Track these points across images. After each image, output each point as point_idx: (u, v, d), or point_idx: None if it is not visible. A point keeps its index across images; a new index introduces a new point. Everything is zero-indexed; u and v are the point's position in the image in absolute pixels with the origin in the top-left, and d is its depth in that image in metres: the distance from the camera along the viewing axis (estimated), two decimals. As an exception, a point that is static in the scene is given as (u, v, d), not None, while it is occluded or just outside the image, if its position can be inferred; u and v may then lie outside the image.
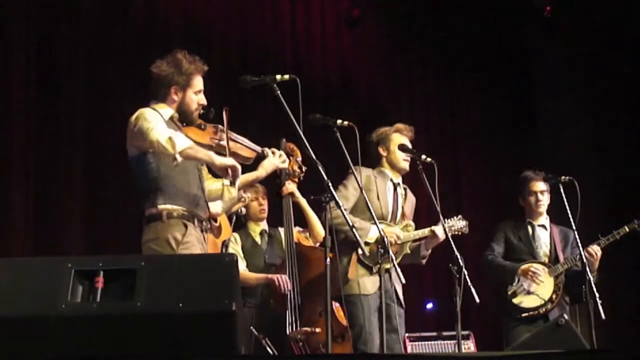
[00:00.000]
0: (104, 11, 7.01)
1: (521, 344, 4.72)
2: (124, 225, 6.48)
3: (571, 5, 8.46)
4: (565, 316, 4.46)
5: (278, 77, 4.05)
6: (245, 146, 4.22)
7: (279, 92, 3.99)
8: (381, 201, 4.87)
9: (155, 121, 3.91)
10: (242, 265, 5.35)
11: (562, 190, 5.28)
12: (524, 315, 5.53)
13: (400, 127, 4.98)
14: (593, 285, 5.06)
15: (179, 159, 3.79)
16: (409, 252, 4.92)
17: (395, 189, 5.04)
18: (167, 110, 4.08)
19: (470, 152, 8.89)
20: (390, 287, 4.80)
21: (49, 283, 2.61)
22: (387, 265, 4.47)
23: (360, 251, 4.35)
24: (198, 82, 4.15)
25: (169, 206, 3.96)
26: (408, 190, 5.02)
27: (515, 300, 5.55)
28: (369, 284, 4.79)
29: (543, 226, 5.76)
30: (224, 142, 4.08)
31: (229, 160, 3.91)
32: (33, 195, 6.45)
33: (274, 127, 6.86)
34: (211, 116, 4.21)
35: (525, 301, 5.54)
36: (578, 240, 5.24)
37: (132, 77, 6.94)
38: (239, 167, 3.88)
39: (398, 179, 5.07)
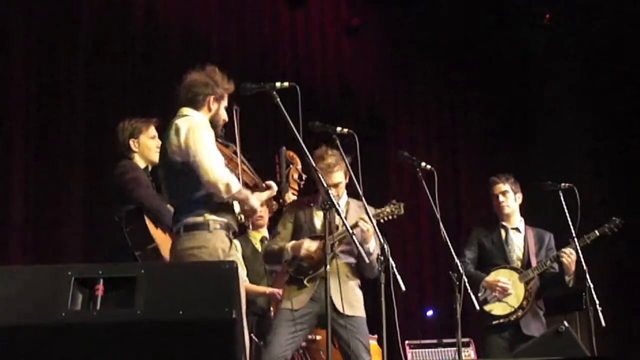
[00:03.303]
0: (104, 20, 7.02)
1: (522, 351, 4.72)
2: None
3: (570, 13, 8.48)
4: (566, 323, 4.45)
5: (278, 84, 4.07)
6: (249, 170, 4.29)
7: (278, 99, 4.00)
8: (310, 225, 4.77)
9: (212, 152, 3.92)
10: (242, 273, 5.34)
11: (562, 197, 5.28)
12: (494, 322, 5.42)
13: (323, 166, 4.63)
14: (593, 292, 5.04)
15: (226, 199, 3.92)
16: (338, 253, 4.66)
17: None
18: (204, 119, 4.09)
19: (470, 161, 8.90)
20: (323, 298, 4.60)
21: (48, 291, 2.60)
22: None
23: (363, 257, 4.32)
24: (226, 99, 4.19)
25: (214, 217, 3.96)
26: (351, 203, 4.78)
27: (486, 308, 5.43)
28: (299, 299, 4.64)
29: (517, 229, 5.67)
30: (239, 161, 4.20)
31: (257, 204, 4.07)
32: (32, 196, 6.44)
33: (273, 134, 6.88)
34: (222, 134, 4.26)
35: (496, 309, 5.43)
36: (579, 247, 5.22)
37: (131, 82, 6.97)
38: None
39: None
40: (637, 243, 7.67)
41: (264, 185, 4.30)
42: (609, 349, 6.87)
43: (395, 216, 4.83)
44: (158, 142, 4.71)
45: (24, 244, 6.34)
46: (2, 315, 2.56)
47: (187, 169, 3.93)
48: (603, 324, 5.03)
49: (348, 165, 4.47)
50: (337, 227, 4.69)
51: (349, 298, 4.60)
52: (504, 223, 5.67)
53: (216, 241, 3.93)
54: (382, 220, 4.78)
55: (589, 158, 8.46)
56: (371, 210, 4.67)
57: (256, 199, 4.06)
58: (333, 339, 4.61)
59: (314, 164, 4.20)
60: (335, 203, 4.08)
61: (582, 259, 5.19)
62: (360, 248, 4.21)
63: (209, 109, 4.11)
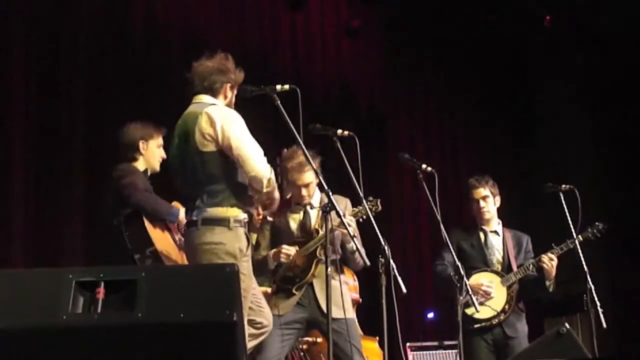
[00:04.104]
0: (104, 20, 7.02)
1: (523, 353, 4.71)
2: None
3: (571, 15, 8.48)
4: (567, 325, 4.44)
5: (278, 87, 4.06)
6: None
7: (278, 101, 4.00)
8: (287, 228, 4.81)
9: (254, 144, 3.93)
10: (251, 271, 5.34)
11: (562, 198, 5.27)
12: (476, 326, 5.36)
13: (294, 166, 4.72)
14: (594, 294, 5.03)
15: (263, 193, 3.94)
16: (321, 258, 4.65)
17: (304, 214, 4.87)
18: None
19: (470, 162, 8.89)
20: (311, 303, 4.70)
21: (49, 294, 2.60)
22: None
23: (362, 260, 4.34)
24: (236, 88, 4.18)
25: (235, 213, 3.94)
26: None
27: (468, 311, 5.28)
28: (284, 305, 4.68)
29: (495, 232, 5.62)
30: None
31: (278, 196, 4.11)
32: (32, 197, 6.44)
33: (274, 137, 6.88)
34: None
35: (478, 312, 5.28)
36: (580, 251, 5.22)
37: (131, 82, 6.96)
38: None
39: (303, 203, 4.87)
40: (636, 243, 7.67)
41: None
42: (611, 350, 6.87)
43: (373, 213, 4.67)
44: (162, 153, 4.76)
45: (24, 246, 6.34)
46: (3, 318, 2.56)
47: (217, 160, 3.92)
48: (604, 325, 5.03)
49: (316, 166, 4.34)
50: (318, 231, 4.70)
51: (337, 300, 4.53)
52: (482, 226, 5.62)
53: (235, 239, 3.91)
54: (360, 220, 4.72)
55: (589, 159, 8.45)
56: (350, 210, 4.71)
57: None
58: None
59: (314, 167, 4.20)
60: (336, 204, 4.06)
61: (583, 261, 5.18)
62: (355, 243, 4.22)
63: (225, 97, 4.11)
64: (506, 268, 5.51)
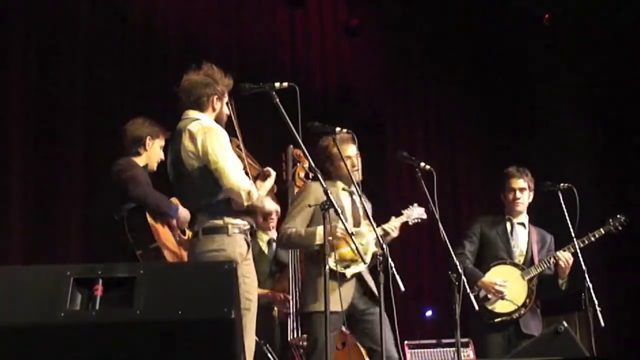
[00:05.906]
0: (103, 20, 7.02)
1: (521, 351, 4.72)
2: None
3: (570, 13, 8.48)
4: (565, 323, 4.44)
5: (277, 85, 4.08)
6: (254, 162, 4.32)
7: (277, 99, 4.01)
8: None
9: (233, 158, 3.99)
10: (255, 277, 5.34)
11: (561, 197, 5.27)
12: (497, 320, 5.36)
13: (344, 137, 4.65)
14: (592, 293, 5.03)
15: (245, 206, 3.98)
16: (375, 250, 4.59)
17: (351, 197, 4.82)
18: (212, 121, 4.12)
19: (469, 160, 8.90)
20: (357, 294, 4.65)
21: (47, 291, 2.60)
22: (354, 271, 4.57)
23: (361, 260, 4.33)
24: (227, 96, 4.23)
25: (233, 220, 4.01)
26: (364, 197, 4.69)
27: (488, 305, 5.36)
28: (337, 299, 4.31)
29: (522, 224, 5.61)
30: (242, 156, 4.28)
31: (275, 206, 4.21)
32: (32, 196, 6.44)
33: (273, 135, 6.88)
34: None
35: (499, 306, 5.36)
36: (578, 248, 5.21)
37: (131, 83, 6.96)
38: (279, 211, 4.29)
39: (351, 188, 4.77)
40: (635, 242, 7.67)
41: (263, 171, 4.35)
42: (609, 350, 6.87)
43: (419, 221, 5.11)
44: (162, 155, 4.81)
45: (23, 244, 6.34)
46: (1, 315, 2.56)
47: (205, 174, 3.97)
48: (602, 324, 5.02)
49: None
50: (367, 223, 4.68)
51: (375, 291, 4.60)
52: (509, 216, 5.61)
53: (235, 245, 3.98)
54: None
55: (589, 158, 8.46)
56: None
57: (271, 203, 4.15)
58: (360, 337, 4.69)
59: (313, 165, 4.21)
60: (335, 204, 4.06)
61: (581, 260, 5.17)
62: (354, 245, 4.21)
63: (213, 109, 4.15)
64: (528, 261, 5.50)
